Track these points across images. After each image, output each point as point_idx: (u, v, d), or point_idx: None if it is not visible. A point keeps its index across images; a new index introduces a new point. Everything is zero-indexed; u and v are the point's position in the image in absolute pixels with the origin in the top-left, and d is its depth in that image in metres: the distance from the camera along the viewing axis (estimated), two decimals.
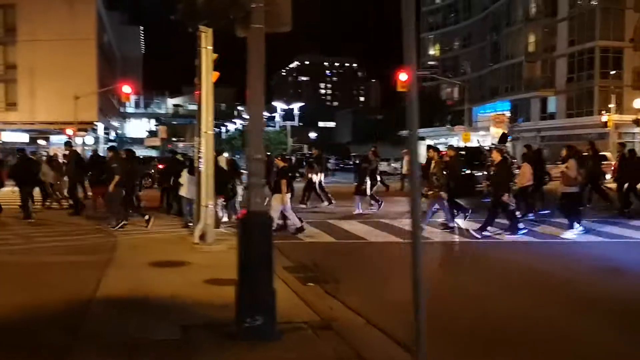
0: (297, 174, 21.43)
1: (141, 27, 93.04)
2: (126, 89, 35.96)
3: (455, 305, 6.62)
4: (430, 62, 67.51)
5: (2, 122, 42.62)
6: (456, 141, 44.55)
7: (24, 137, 46.62)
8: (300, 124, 64.98)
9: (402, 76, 29.62)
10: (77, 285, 6.83)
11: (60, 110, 41.36)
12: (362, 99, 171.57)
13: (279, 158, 13.20)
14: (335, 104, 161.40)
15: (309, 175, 17.61)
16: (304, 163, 21.14)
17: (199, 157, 10.77)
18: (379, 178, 17.55)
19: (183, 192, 12.37)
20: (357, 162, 31.84)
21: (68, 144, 17.40)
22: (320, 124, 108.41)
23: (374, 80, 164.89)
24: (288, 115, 66.76)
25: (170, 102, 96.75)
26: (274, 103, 58.16)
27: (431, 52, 69.63)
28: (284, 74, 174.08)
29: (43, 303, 6.06)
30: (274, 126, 66.08)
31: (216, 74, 10.33)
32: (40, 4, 43.83)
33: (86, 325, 5.35)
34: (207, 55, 9.89)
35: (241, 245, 5.03)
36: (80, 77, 42.63)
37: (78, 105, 38.37)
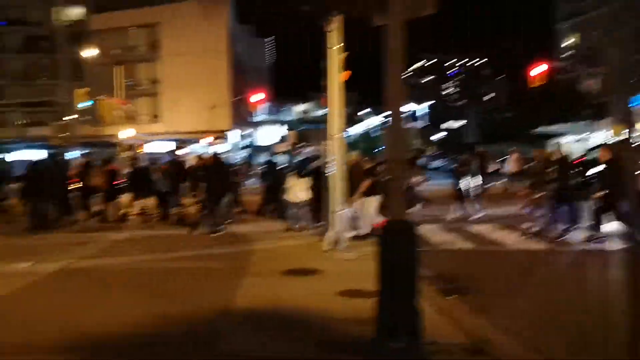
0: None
1: (270, 38, 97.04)
2: (257, 96, 37.32)
3: None
4: (566, 53, 62.62)
5: (148, 133, 46.24)
6: (602, 137, 40.60)
7: (167, 147, 50.23)
8: (428, 124, 63.28)
9: (535, 71, 27.59)
10: (213, 294, 6.75)
11: (198, 120, 44.10)
12: (488, 97, 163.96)
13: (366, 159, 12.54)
14: (461, 103, 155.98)
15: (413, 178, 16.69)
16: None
17: (330, 162, 10.55)
18: (479, 180, 15.90)
19: (289, 196, 12.37)
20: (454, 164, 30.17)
21: (172, 153, 18.07)
22: (446, 124, 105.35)
23: (500, 77, 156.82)
24: (414, 116, 65.37)
25: (298, 108, 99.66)
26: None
27: (567, 42, 64.55)
28: (407, 75, 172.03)
29: (180, 313, 6.00)
30: None
31: (347, 73, 9.98)
32: (180, 21, 47.08)
33: (222, 341, 5.15)
34: (335, 54, 9.58)
35: (382, 257, 4.54)
36: (215, 87, 45.16)
37: (214, 115, 40.55)
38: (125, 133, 35.61)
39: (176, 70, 46.72)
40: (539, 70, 27.93)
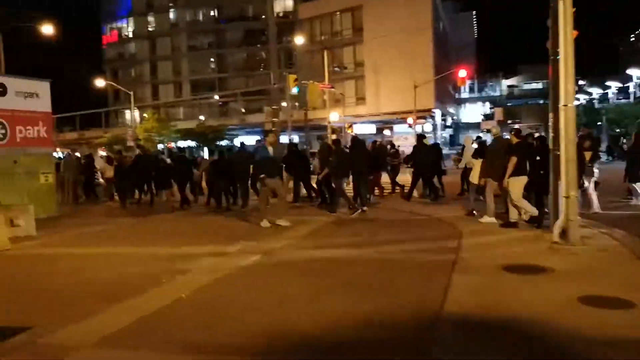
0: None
1: (474, 12, 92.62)
2: (462, 73, 35.54)
3: None
4: None
5: (353, 115, 47.28)
6: None
7: (371, 128, 50.88)
8: None
9: None
10: (422, 293, 5.89)
11: (401, 100, 43.64)
12: None
13: (513, 133, 10.39)
14: None
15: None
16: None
17: (554, 138, 8.97)
18: None
19: (473, 178, 11.27)
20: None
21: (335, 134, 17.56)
22: None
23: None
24: None
25: (505, 83, 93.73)
26: (629, 71, 49.53)
27: None
28: (634, 39, 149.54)
29: (385, 313, 5.26)
30: (629, 98, 56.73)
31: (575, 32, 8.30)
32: (382, 2, 46.97)
33: (435, 355, 4.30)
34: (565, 8, 7.97)
35: None
36: (417, 66, 44.19)
37: (417, 94, 39.68)
38: (331, 116, 36.68)
39: (379, 52, 46.81)
40: None
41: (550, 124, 9.09)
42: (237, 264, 7.74)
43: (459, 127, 74.22)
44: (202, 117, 60.47)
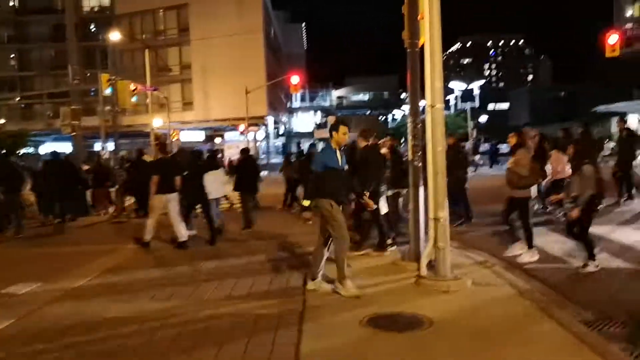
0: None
1: (303, 24, 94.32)
2: (295, 79, 34.41)
3: None
4: (629, 25, 57.47)
5: (179, 121, 43.79)
6: None
7: (200, 136, 47.85)
8: (475, 106, 58.36)
9: (612, 39, 24.12)
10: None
11: (232, 106, 41.31)
12: (530, 77, 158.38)
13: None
14: (502, 84, 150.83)
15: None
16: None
17: (415, 146, 7.46)
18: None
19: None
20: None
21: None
22: (491, 106, 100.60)
23: (542, 57, 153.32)
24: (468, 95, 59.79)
25: (335, 94, 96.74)
26: (452, 84, 52.69)
27: (630, 12, 59.32)
28: (445, 57, 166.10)
29: None
30: (449, 110, 60.76)
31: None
32: (210, 2, 44.33)
33: None
34: None
35: None
36: (249, 72, 42.28)
37: (249, 101, 37.72)
38: (155, 122, 33.10)
39: (208, 54, 44.15)
40: (614, 39, 24.45)
41: (409, 130, 7.61)
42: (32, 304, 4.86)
43: (291, 135, 74.15)
44: (1, 121, 51.98)
